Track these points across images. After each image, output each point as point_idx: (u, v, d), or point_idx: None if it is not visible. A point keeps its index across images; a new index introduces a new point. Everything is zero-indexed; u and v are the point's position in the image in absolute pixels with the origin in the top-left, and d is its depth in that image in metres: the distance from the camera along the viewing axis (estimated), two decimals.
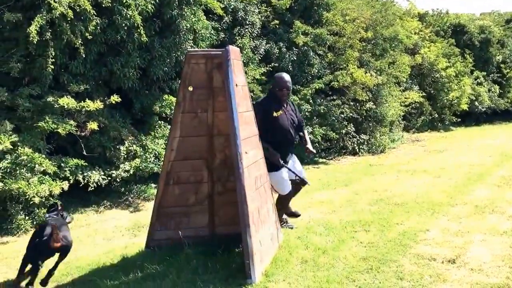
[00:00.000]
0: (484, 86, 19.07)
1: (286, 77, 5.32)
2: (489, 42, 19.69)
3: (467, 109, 17.68)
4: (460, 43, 18.82)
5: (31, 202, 5.80)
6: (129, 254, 4.85)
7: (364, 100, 11.65)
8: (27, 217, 5.93)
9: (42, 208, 6.09)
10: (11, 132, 5.88)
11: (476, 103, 18.36)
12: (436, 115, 16.59)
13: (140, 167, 7.06)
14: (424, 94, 15.46)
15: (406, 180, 8.38)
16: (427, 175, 8.78)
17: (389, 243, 5.00)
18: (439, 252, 4.72)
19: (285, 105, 5.34)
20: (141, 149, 7.26)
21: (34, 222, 6.02)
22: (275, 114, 5.17)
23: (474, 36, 19.28)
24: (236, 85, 4.33)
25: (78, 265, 4.68)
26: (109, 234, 5.85)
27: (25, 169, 5.81)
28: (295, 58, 10.65)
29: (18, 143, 5.91)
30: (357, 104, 11.78)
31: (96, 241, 5.58)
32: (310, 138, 10.31)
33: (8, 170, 5.73)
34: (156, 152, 7.38)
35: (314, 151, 5.73)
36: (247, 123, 4.55)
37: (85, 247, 5.37)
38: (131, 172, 7.07)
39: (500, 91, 20.03)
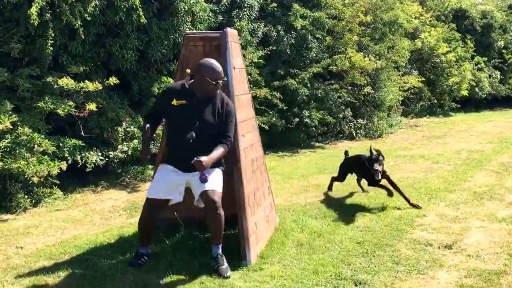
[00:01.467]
0: (485, 72, 18.99)
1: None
2: (491, 27, 19.56)
3: (467, 95, 17.62)
4: (461, 28, 18.67)
5: (30, 182, 5.85)
6: (126, 234, 4.90)
7: (362, 84, 11.62)
8: (26, 196, 5.98)
9: (41, 188, 6.15)
10: (11, 112, 5.90)
11: (477, 89, 18.29)
12: (435, 101, 16.55)
13: (138, 148, 7.09)
14: (423, 79, 15.40)
15: (404, 166, 8.41)
16: (425, 160, 8.81)
17: (385, 228, 5.04)
18: (436, 238, 4.75)
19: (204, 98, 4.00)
20: (139, 131, 7.28)
21: (33, 201, 6.08)
22: (174, 102, 3.98)
23: (476, 21, 19.14)
24: (234, 67, 4.33)
25: (76, 244, 4.73)
26: (106, 214, 5.90)
27: (24, 148, 5.84)
28: (293, 42, 10.59)
29: (18, 123, 5.94)
30: (355, 88, 11.76)
31: (94, 221, 5.63)
32: (307, 122, 10.35)
33: (8, 149, 5.76)
34: (154, 133, 7.39)
35: (200, 163, 3.74)
36: (244, 106, 4.57)
37: (83, 226, 5.43)
38: (129, 153, 7.10)
39: (502, 77, 19.94)
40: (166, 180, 4.00)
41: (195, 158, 3.74)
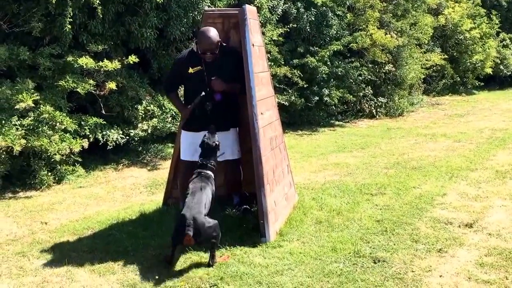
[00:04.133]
0: (510, 49, 18.49)
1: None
2: None
3: (491, 72, 17.22)
4: (487, 3, 18.16)
5: (53, 159, 5.96)
6: (147, 210, 4.98)
7: (383, 62, 11.46)
8: (49, 173, 6.10)
9: (64, 165, 6.26)
10: (33, 91, 5.98)
11: (501, 66, 17.86)
12: (458, 79, 16.22)
13: (158, 127, 7.15)
14: (446, 56, 15.09)
15: (425, 144, 8.32)
16: (447, 139, 8.70)
17: (405, 206, 5.01)
18: (456, 216, 4.72)
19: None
20: (159, 109, 7.34)
21: (57, 178, 6.20)
22: (191, 70, 4.37)
23: None
24: (253, 45, 4.30)
25: (99, 220, 4.83)
26: (128, 191, 5.99)
27: (46, 126, 5.94)
28: (313, 19, 10.44)
29: (40, 101, 6.02)
30: (376, 66, 11.60)
31: (115, 198, 5.73)
32: (326, 101, 10.28)
33: (31, 127, 5.86)
34: (173, 112, 7.45)
35: (216, 83, 4.34)
36: (263, 84, 4.55)
37: (105, 203, 5.53)
38: (149, 132, 7.17)
39: None
40: (192, 145, 4.44)
41: (212, 78, 4.30)
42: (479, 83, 16.81)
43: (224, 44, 4.46)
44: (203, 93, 4.34)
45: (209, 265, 3.71)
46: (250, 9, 4.39)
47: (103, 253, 4.02)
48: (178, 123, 5.38)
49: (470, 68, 16.42)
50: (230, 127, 4.56)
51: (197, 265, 3.75)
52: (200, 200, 3.83)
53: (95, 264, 3.81)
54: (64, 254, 4.02)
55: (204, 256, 3.82)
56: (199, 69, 4.34)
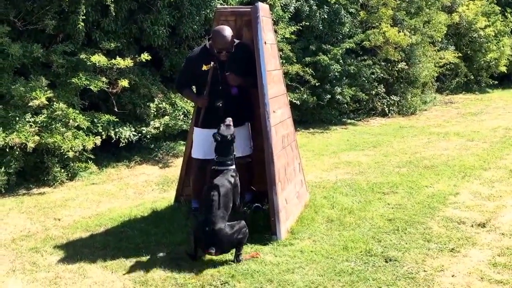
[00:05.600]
0: None
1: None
2: None
3: (506, 71, 17.00)
4: (501, 0, 17.93)
5: (66, 156, 6.01)
6: (158, 208, 5.01)
7: (396, 60, 11.36)
8: (62, 170, 6.15)
9: (77, 162, 6.32)
10: (46, 88, 6.04)
11: None
12: (472, 77, 16.03)
13: (169, 125, 7.17)
14: (460, 54, 14.92)
15: (438, 143, 8.25)
16: (460, 138, 8.62)
17: (417, 206, 4.99)
18: (469, 216, 4.68)
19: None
20: (171, 107, 7.36)
21: (69, 175, 6.26)
22: (204, 67, 4.35)
23: None
24: (265, 42, 4.30)
25: (111, 217, 4.86)
26: (140, 188, 6.02)
27: (60, 124, 5.99)
28: (326, 17, 10.39)
29: (53, 99, 6.07)
30: (389, 64, 11.51)
31: (128, 195, 5.76)
32: (338, 99, 10.25)
33: (44, 124, 5.92)
34: (185, 110, 7.47)
35: (231, 78, 4.38)
36: (275, 82, 4.54)
37: (117, 200, 5.57)
38: (161, 129, 7.20)
39: None
40: (204, 142, 4.44)
41: (226, 73, 4.32)
42: (493, 81, 16.60)
43: (235, 40, 4.46)
44: (213, 64, 4.32)
45: (234, 261, 3.75)
46: (262, 7, 4.39)
47: (115, 249, 4.05)
48: (190, 121, 5.39)
49: (484, 66, 16.23)
50: (243, 122, 4.56)
51: (208, 262, 3.76)
52: (216, 208, 3.75)
53: (107, 261, 3.84)
54: (77, 250, 4.07)
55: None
56: (213, 66, 4.34)
